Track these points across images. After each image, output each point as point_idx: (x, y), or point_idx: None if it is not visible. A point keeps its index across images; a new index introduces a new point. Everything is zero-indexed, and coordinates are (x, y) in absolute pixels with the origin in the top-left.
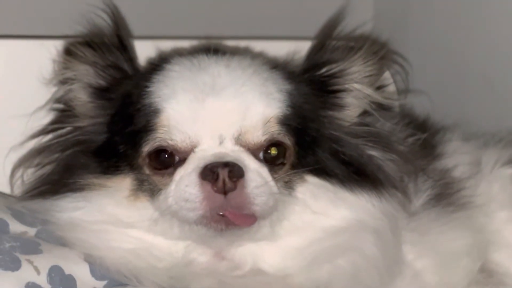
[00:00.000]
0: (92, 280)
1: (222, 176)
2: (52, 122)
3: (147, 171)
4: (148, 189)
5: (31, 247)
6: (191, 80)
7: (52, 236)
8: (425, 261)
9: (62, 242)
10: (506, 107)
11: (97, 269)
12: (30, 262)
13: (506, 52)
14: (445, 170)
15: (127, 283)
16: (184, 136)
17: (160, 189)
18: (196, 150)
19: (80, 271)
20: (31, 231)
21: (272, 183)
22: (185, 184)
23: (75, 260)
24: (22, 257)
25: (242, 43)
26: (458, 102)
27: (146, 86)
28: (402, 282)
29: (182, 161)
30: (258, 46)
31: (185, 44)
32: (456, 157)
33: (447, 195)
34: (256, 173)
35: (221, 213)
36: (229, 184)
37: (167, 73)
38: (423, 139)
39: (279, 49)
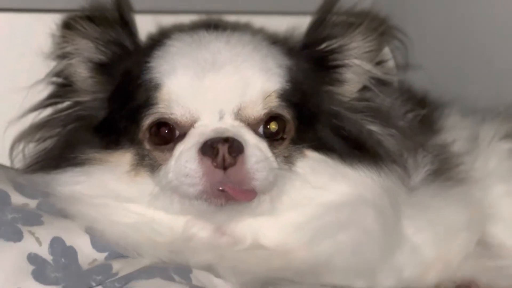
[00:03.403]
0: (93, 252)
1: (222, 151)
2: (51, 96)
3: (147, 146)
4: (148, 164)
5: (33, 219)
6: (191, 57)
7: (53, 208)
8: (424, 235)
9: (63, 214)
10: (505, 83)
11: (98, 241)
12: (32, 233)
13: (506, 28)
14: (444, 145)
15: (127, 255)
16: (184, 110)
17: (161, 165)
18: (196, 125)
19: (81, 242)
20: (32, 203)
21: (272, 158)
22: (185, 160)
23: (76, 232)
24: (24, 229)
25: (242, 18)
26: (457, 78)
27: (147, 62)
28: (401, 256)
29: (182, 136)
30: (258, 21)
31: (186, 19)
32: (454, 132)
33: (445, 170)
34: (256, 148)
35: (221, 188)
36: (228, 159)
37: (168, 49)
38: (422, 114)
39: (279, 24)
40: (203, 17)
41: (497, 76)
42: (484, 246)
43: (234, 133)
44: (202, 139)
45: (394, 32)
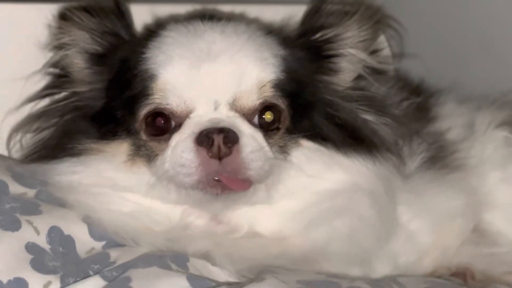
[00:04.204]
0: (91, 241)
1: (217, 142)
2: (48, 86)
3: (143, 136)
4: (145, 154)
5: (31, 208)
6: (187, 47)
7: (51, 197)
8: (420, 222)
9: (61, 203)
10: (501, 70)
11: (96, 229)
12: (30, 222)
13: (502, 15)
14: (439, 132)
15: (125, 244)
16: (179, 100)
17: (157, 155)
18: (192, 115)
19: (79, 231)
20: (31, 192)
21: (267, 148)
22: (181, 150)
23: (74, 221)
24: (22, 218)
25: (237, 8)
26: (453, 66)
27: (143, 52)
28: (397, 243)
29: (178, 126)
30: (254, 10)
31: (181, 8)
32: (450, 120)
33: (441, 158)
34: (251, 138)
35: (216, 178)
36: (224, 149)
37: (163, 39)
38: (417, 102)
39: (275, 13)
40: (198, 6)
41: (493, 64)
42: (480, 233)
43: (229, 123)
44: (197, 130)
45: (389, 21)
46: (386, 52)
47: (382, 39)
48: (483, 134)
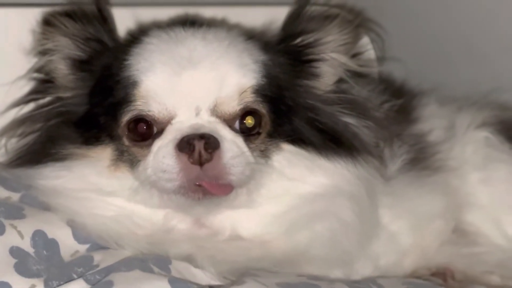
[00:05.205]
0: (75, 244)
1: (198, 148)
2: (32, 92)
3: (126, 142)
4: (128, 159)
5: (15, 212)
6: (168, 53)
7: (35, 201)
8: (400, 223)
9: (45, 207)
10: (483, 72)
11: (80, 233)
12: (14, 226)
13: (483, 17)
14: (420, 134)
15: (109, 247)
16: (161, 107)
17: (139, 160)
18: (173, 121)
19: (63, 235)
20: (15, 196)
21: (248, 152)
22: (162, 156)
23: (58, 225)
24: (6, 222)
25: (220, 10)
26: (435, 68)
27: (125, 59)
28: (378, 244)
29: (160, 132)
30: (237, 12)
31: (163, 12)
32: (431, 121)
33: (422, 160)
34: (232, 144)
35: (198, 183)
36: (205, 155)
37: (145, 46)
38: (399, 104)
39: (256, 15)
40: (179, 9)
41: (475, 65)
42: (460, 233)
43: (210, 129)
44: (179, 136)
45: (370, 24)
46: (370, 55)
47: (366, 42)
48: (464, 135)
